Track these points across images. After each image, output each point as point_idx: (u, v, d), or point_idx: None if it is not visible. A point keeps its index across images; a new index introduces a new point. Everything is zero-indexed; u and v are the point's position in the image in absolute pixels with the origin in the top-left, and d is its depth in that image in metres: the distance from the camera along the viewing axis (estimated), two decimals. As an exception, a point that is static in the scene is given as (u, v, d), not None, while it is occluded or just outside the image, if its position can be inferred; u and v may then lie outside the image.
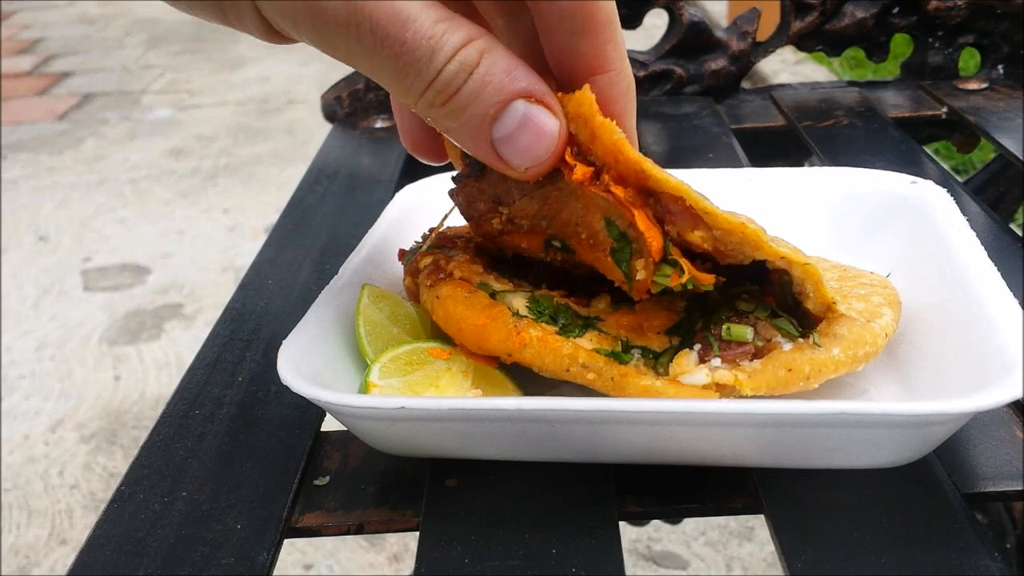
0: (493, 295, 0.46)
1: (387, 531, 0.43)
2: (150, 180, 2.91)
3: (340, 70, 0.60)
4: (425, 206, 0.59)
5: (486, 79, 0.36)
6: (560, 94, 0.39)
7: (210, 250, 2.42)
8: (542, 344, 0.43)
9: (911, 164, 0.78)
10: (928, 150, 0.84)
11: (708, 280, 0.41)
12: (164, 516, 0.43)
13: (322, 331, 0.47)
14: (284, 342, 0.45)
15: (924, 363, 0.45)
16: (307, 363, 0.44)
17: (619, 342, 0.44)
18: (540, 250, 0.46)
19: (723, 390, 0.41)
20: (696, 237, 0.40)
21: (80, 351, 2.01)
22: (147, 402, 1.83)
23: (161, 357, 1.97)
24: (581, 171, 0.40)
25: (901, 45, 1.01)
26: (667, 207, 0.40)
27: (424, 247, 0.51)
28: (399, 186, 0.84)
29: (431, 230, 0.53)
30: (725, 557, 1.38)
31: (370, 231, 0.57)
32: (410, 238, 0.55)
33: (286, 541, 0.42)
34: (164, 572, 0.39)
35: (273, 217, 2.26)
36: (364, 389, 0.44)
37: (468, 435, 0.42)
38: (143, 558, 0.40)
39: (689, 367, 0.42)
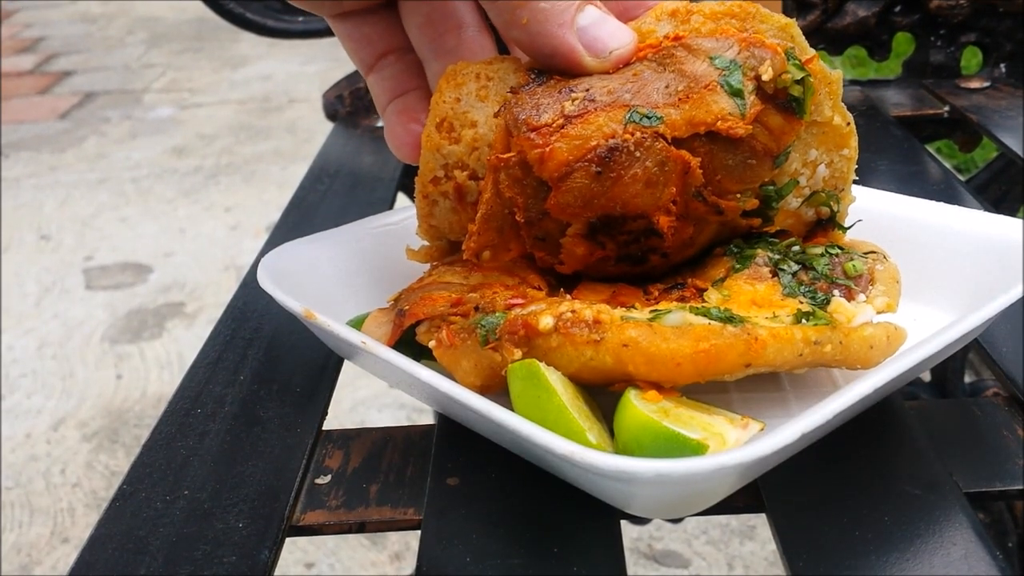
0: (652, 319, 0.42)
1: (389, 530, 0.43)
2: (152, 179, 2.91)
3: (342, 69, 0.60)
4: (297, 272, 0.54)
5: None
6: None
7: (212, 249, 2.42)
8: (777, 339, 0.39)
9: (913, 163, 0.78)
10: (930, 149, 0.84)
11: (838, 76, 0.46)
12: (166, 515, 0.43)
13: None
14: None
15: (938, 282, 0.53)
16: None
17: (792, 317, 0.43)
18: (618, 124, 0.42)
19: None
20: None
21: (82, 350, 2.01)
22: (149, 401, 1.83)
23: (163, 356, 1.97)
24: (673, 35, 0.45)
25: (903, 44, 1.01)
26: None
27: (495, 315, 0.43)
28: (400, 185, 0.84)
29: (455, 303, 0.45)
30: (727, 556, 1.38)
31: (308, 315, 0.47)
32: (341, 309, 0.50)
33: (288, 540, 0.42)
34: (166, 571, 0.39)
35: (275, 215, 2.26)
36: (695, 451, 0.37)
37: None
38: (145, 556, 0.40)
39: (853, 309, 0.43)
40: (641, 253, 0.47)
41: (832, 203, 0.49)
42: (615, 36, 0.44)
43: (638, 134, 0.42)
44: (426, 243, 0.51)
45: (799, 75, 0.44)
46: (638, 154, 0.43)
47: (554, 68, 0.44)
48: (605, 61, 0.43)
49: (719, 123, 0.43)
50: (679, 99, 0.43)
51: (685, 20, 0.45)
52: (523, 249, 0.47)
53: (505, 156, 0.44)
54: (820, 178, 0.48)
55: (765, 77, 0.43)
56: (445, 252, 0.51)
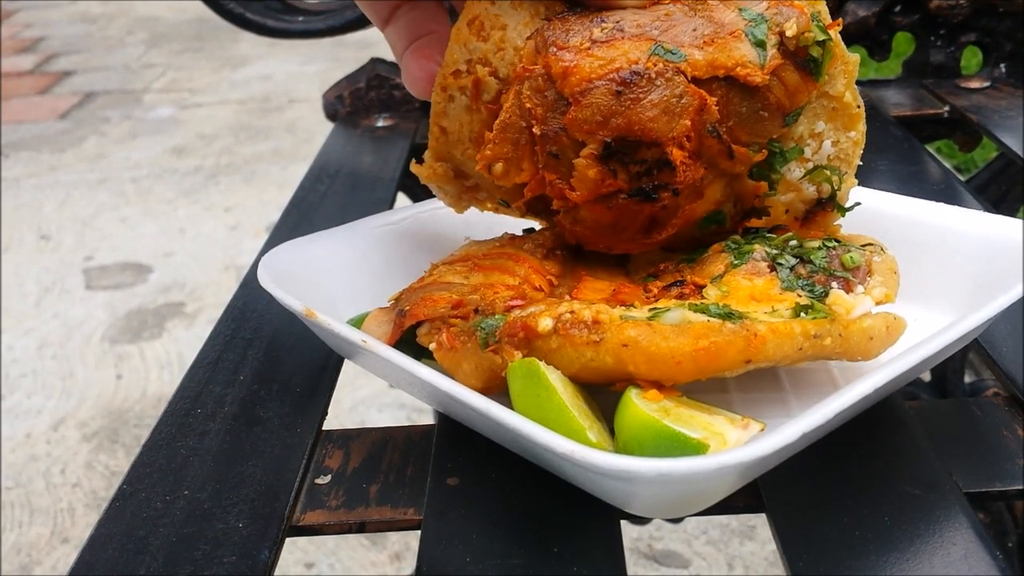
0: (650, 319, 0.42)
1: (388, 530, 0.43)
2: (152, 179, 2.91)
3: (342, 68, 0.60)
4: (299, 269, 0.54)
5: None
6: None
7: (212, 249, 2.42)
8: (776, 334, 0.40)
9: (913, 163, 0.78)
10: (930, 149, 0.84)
11: (856, 59, 0.47)
12: (166, 515, 0.43)
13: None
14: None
15: (938, 282, 0.53)
16: None
17: (791, 310, 0.43)
18: (643, 54, 0.44)
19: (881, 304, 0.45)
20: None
21: (82, 350, 2.01)
22: (149, 401, 1.83)
23: (163, 356, 1.97)
24: None
25: (903, 44, 1.01)
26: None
27: (494, 319, 0.42)
28: (400, 185, 0.84)
29: (456, 305, 0.45)
30: (727, 556, 1.38)
31: (305, 312, 0.47)
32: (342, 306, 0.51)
33: (288, 540, 0.42)
34: (166, 571, 0.39)
35: (274, 216, 2.26)
36: (696, 451, 0.37)
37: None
38: (145, 556, 0.40)
39: (852, 300, 0.43)
40: (652, 188, 0.47)
41: (834, 179, 0.49)
42: None
43: (660, 65, 0.44)
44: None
45: (821, 37, 0.45)
46: (659, 83, 0.44)
47: (591, 3, 0.46)
48: None
49: (738, 68, 0.45)
50: (704, 42, 0.45)
51: None
52: (535, 171, 0.48)
53: (531, 67, 0.45)
54: (825, 155, 0.49)
55: (789, 33, 0.45)
56: (449, 177, 0.52)
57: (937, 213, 0.55)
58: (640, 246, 0.50)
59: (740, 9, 0.45)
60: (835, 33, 0.46)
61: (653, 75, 0.44)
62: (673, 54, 0.44)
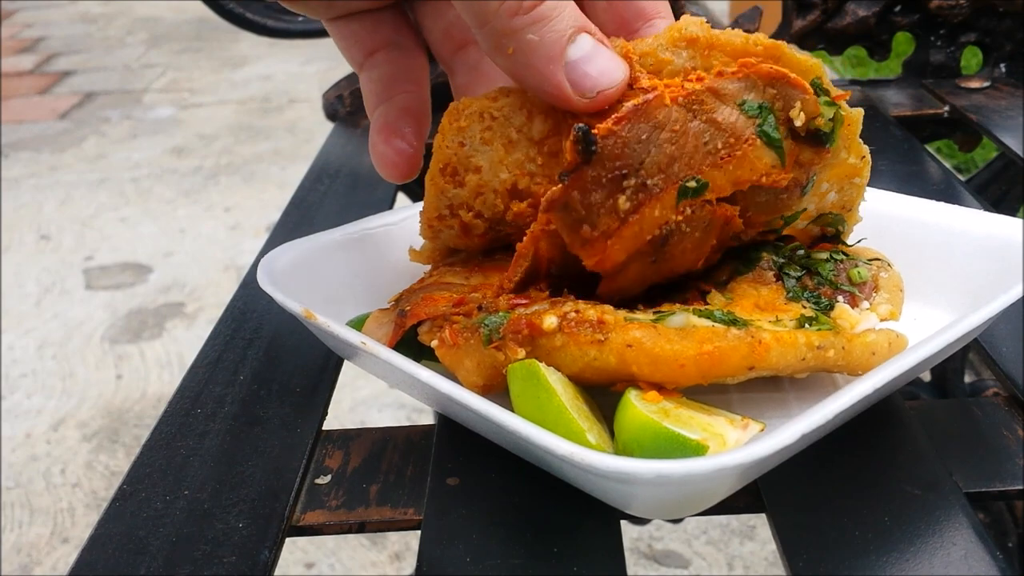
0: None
1: (388, 530, 0.43)
2: (152, 179, 2.91)
3: (342, 69, 0.60)
4: (300, 269, 0.53)
5: (561, 5, 0.39)
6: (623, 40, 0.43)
7: (212, 249, 2.42)
8: (780, 343, 0.40)
9: (913, 163, 0.78)
10: (930, 148, 0.84)
11: (858, 114, 0.45)
12: (166, 515, 0.43)
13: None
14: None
15: (938, 282, 0.52)
16: None
17: (795, 321, 0.43)
18: (671, 211, 0.41)
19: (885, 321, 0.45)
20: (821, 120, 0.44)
21: (82, 350, 2.01)
22: (149, 401, 1.83)
23: (163, 356, 1.97)
24: (694, 77, 0.42)
25: (903, 43, 1.01)
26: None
27: (494, 315, 0.42)
28: (400, 185, 0.84)
29: (458, 303, 0.45)
30: (727, 556, 1.38)
31: (304, 314, 0.47)
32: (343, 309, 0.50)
33: (288, 540, 0.42)
34: (166, 571, 0.39)
35: (274, 216, 2.26)
36: (695, 452, 0.37)
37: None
38: (145, 556, 0.40)
39: (857, 316, 0.43)
40: (677, 284, 0.48)
41: (839, 226, 0.49)
42: (605, 75, 0.40)
43: (688, 210, 0.42)
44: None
45: (830, 113, 0.44)
46: (687, 229, 0.43)
47: (543, 100, 0.42)
48: (592, 101, 0.40)
49: (763, 178, 0.43)
50: (721, 158, 0.42)
51: (705, 55, 0.43)
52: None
53: (550, 229, 0.42)
54: (829, 202, 0.48)
55: (798, 123, 0.43)
56: (448, 252, 0.51)
57: (937, 212, 0.55)
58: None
59: (739, 104, 0.42)
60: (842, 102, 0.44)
61: (684, 225, 0.42)
62: (697, 191, 0.42)
